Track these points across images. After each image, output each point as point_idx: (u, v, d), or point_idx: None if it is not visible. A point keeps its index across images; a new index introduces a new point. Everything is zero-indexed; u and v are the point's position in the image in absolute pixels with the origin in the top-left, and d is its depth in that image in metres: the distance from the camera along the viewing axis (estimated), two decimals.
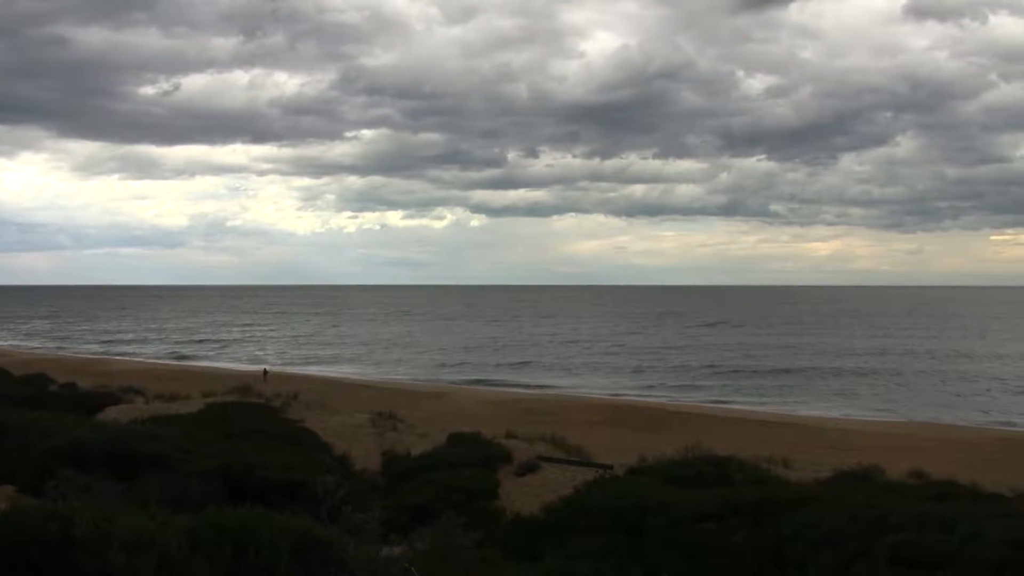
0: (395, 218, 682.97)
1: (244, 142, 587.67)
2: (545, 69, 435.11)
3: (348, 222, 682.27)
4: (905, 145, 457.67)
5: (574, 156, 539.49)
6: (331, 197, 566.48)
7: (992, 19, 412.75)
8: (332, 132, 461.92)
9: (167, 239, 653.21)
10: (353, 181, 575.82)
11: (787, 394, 42.83)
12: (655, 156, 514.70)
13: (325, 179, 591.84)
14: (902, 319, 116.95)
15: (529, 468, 16.69)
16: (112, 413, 22.13)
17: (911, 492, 12.66)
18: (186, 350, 67.21)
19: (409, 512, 12.46)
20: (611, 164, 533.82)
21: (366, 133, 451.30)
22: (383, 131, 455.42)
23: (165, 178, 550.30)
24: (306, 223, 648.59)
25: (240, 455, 13.24)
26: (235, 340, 78.96)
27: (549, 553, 10.14)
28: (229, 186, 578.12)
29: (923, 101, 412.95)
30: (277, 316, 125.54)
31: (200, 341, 76.18)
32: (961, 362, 58.86)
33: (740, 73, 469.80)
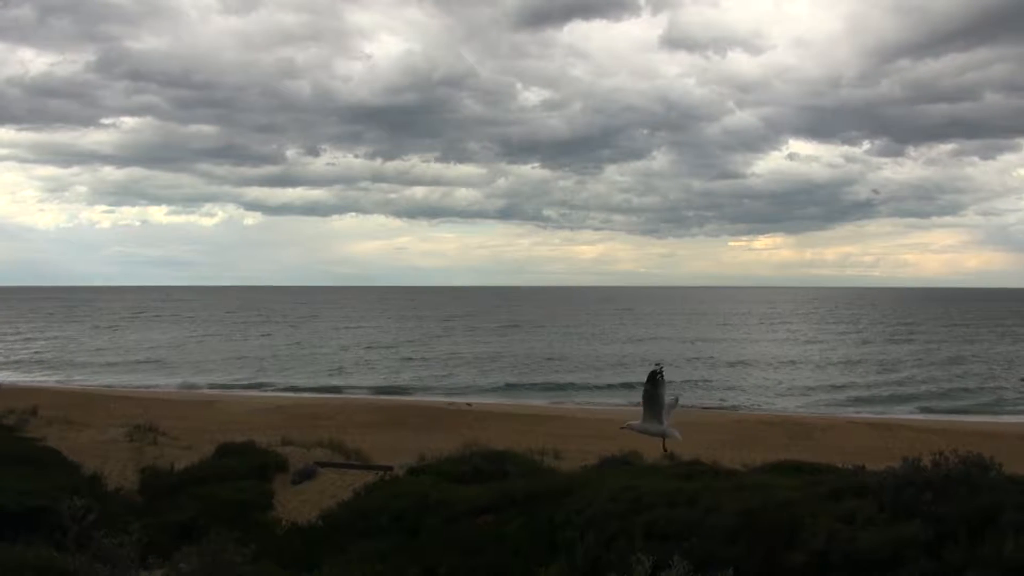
0: (158, 214, 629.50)
1: None
2: (330, 68, 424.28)
3: (102, 217, 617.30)
4: (660, 159, 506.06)
5: (356, 156, 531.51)
6: (82, 189, 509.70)
7: (730, 54, 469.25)
8: (86, 118, 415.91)
9: None
10: (109, 172, 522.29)
11: (567, 392, 44.81)
12: (437, 160, 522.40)
13: (75, 169, 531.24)
14: (669, 317, 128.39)
15: (306, 475, 16.17)
16: None
17: (665, 473, 13.92)
18: None
19: (173, 531, 11.57)
20: (393, 166, 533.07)
21: (127, 121, 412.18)
22: (147, 120, 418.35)
23: None
24: (50, 217, 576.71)
25: None
26: None
27: (327, 561, 9.91)
28: None
29: (675, 121, 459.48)
30: (9, 322, 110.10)
31: None
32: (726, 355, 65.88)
33: (518, 85, 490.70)
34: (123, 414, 27.14)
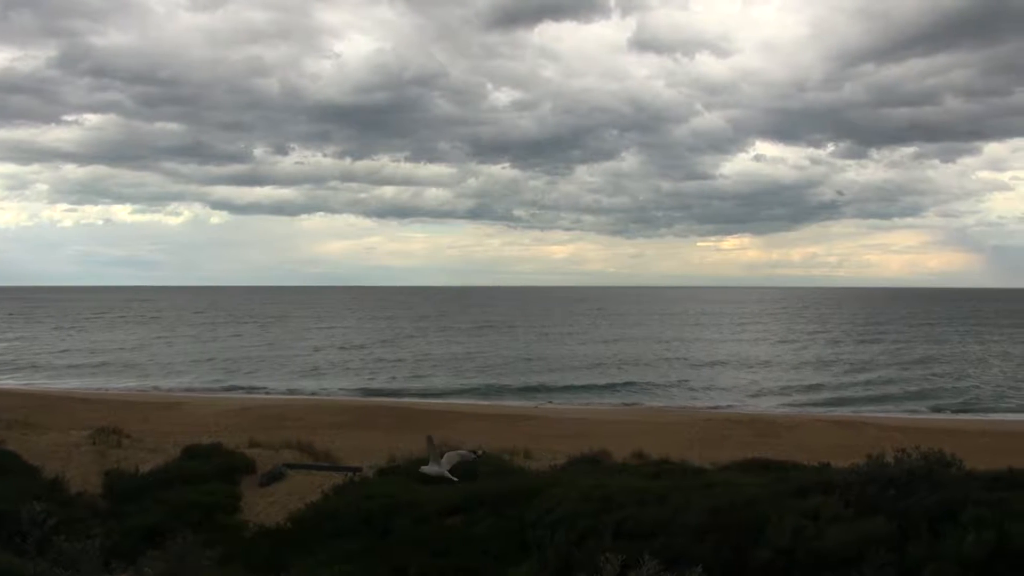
0: (122, 213, 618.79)
1: None
2: (299, 66, 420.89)
3: (64, 215, 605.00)
4: (629, 160, 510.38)
5: (325, 155, 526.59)
6: (43, 187, 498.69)
7: (698, 57, 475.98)
8: (47, 114, 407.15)
9: None
10: (71, 170, 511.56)
11: (542, 392, 44.71)
12: (407, 159, 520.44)
13: (35, 166, 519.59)
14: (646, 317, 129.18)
15: (274, 477, 15.99)
16: None
17: (634, 472, 14.02)
18: None
19: (137, 535, 11.37)
20: (363, 165, 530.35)
21: (90, 118, 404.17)
22: (111, 117, 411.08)
23: None
24: (9, 215, 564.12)
25: None
26: None
27: (295, 563, 9.82)
28: None
29: (644, 122, 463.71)
30: None
31: None
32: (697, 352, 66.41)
33: (489, 86, 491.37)
34: (86, 417, 26.62)
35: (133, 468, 16.61)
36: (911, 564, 7.73)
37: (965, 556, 7.66)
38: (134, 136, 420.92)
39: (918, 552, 7.83)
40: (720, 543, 8.44)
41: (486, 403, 38.91)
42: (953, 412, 38.84)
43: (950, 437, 24.03)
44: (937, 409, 39.56)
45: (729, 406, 39.35)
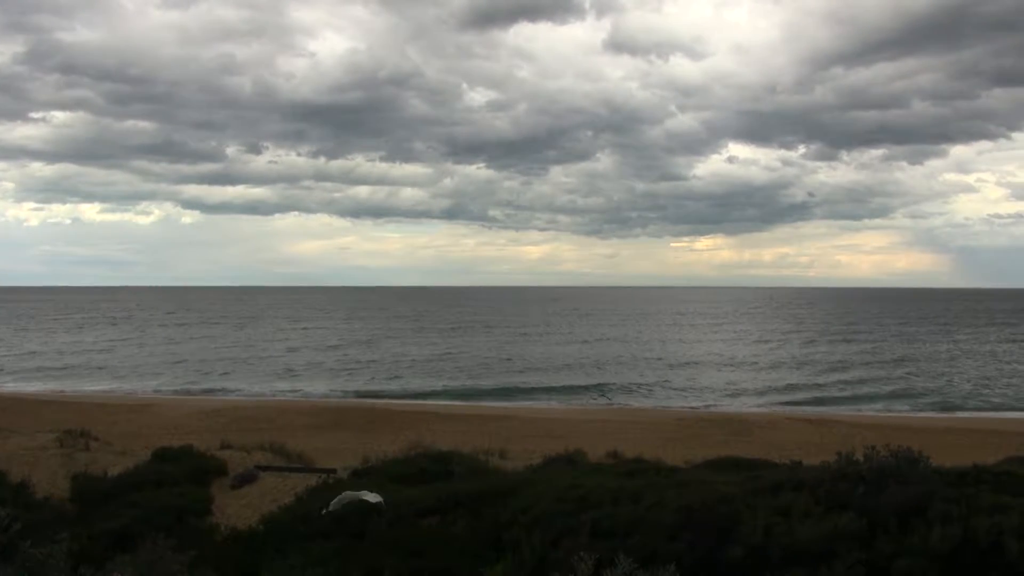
0: (91, 212, 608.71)
1: None
2: (272, 65, 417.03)
3: (31, 214, 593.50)
4: (604, 161, 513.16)
5: (299, 155, 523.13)
6: (9, 185, 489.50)
7: (672, 59, 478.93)
8: (14, 111, 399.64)
9: None
10: (38, 168, 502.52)
11: (520, 393, 44.59)
12: (382, 159, 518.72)
13: (1, 164, 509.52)
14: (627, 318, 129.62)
15: (246, 479, 15.82)
16: None
17: (609, 471, 14.08)
18: None
19: (106, 540, 11.18)
20: (337, 165, 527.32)
21: (58, 115, 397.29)
22: (80, 115, 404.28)
23: None
24: None
25: None
26: None
27: (267, 566, 9.72)
28: None
29: (619, 123, 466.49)
30: None
31: None
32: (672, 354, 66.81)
33: (464, 86, 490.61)
34: (53, 419, 26.15)
35: (102, 471, 16.35)
36: (880, 559, 7.84)
37: (932, 551, 7.79)
38: (104, 134, 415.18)
39: (887, 547, 7.95)
40: (693, 541, 8.50)
41: (462, 404, 38.85)
42: (922, 410, 39.51)
43: (917, 434, 24.46)
44: (917, 408, 40.21)
45: (705, 406, 39.66)
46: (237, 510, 14.27)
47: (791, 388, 46.52)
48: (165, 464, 16.31)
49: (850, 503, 8.68)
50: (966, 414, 38.19)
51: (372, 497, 10.65)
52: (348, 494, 10.94)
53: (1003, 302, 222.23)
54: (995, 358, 64.28)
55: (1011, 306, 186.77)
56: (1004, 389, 47.05)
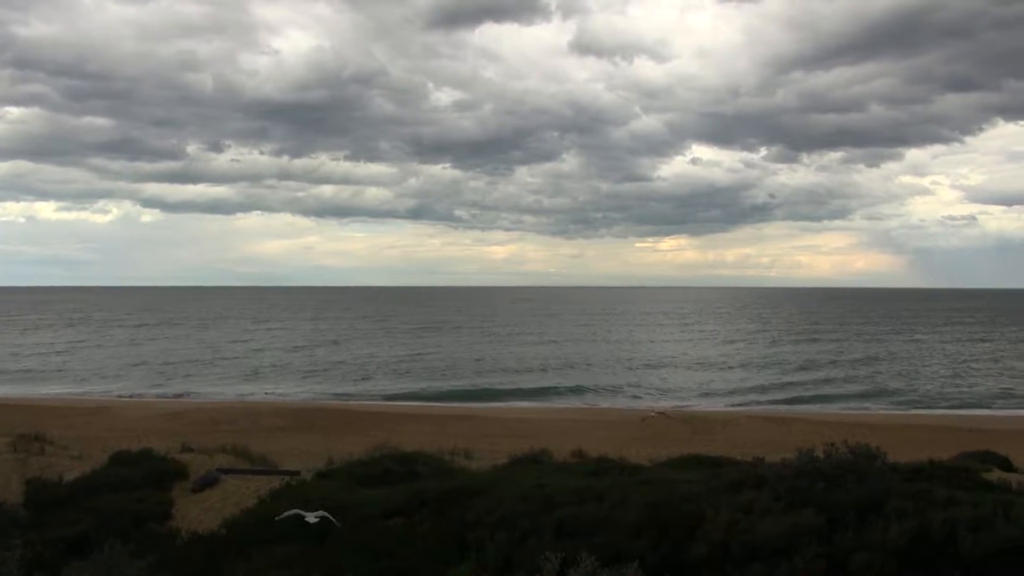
0: (46, 210, 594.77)
1: None
2: (234, 62, 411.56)
3: None
4: (569, 162, 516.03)
5: (262, 153, 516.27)
6: None
7: (636, 61, 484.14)
8: None
9: None
10: None
11: (488, 394, 44.32)
12: (346, 158, 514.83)
13: None
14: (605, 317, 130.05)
15: (208, 482, 15.55)
16: None
17: (574, 470, 14.11)
18: None
19: (62, 546, 10.92)
20: (301, 163, 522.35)
21: (12, 111, 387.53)
22: (35, 111, 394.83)
23: None
24: None
25: None
26: None
27: (230, 570, 9.58)
28: None
29: (584, 124, 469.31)
30: None
31: None
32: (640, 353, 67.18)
33: (430, 85, 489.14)
34: (6, 423, 25.46)
35: (57, 476, 15.96)
36: (839, 553, 7.98)
37: (889, 544, 7.95)
38: (60, 130, 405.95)
39: (846, 542, 8.09)
40: (657, 539, 8.56)
41: (431, 405, 38.70)
42: (883, 407, 40.31)
43: (876, 431, 24.96)
44: (879, 405, 40.96)
45: (672, 406, 40.00)
46: (198, 514, 14.03)
47: (758, 388, 47.12)
48: (123, 468, 15.96)
49: (810, 499, 8.81)
50: (925, 411, 39.07)
51: (311, 517, 10.54)
52: (292, 512, 10.86)
53: (958, 301, 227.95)
54: (952, 357, 65.86)
55: (966, 305, 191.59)
56: (961, 387, 48.27)
